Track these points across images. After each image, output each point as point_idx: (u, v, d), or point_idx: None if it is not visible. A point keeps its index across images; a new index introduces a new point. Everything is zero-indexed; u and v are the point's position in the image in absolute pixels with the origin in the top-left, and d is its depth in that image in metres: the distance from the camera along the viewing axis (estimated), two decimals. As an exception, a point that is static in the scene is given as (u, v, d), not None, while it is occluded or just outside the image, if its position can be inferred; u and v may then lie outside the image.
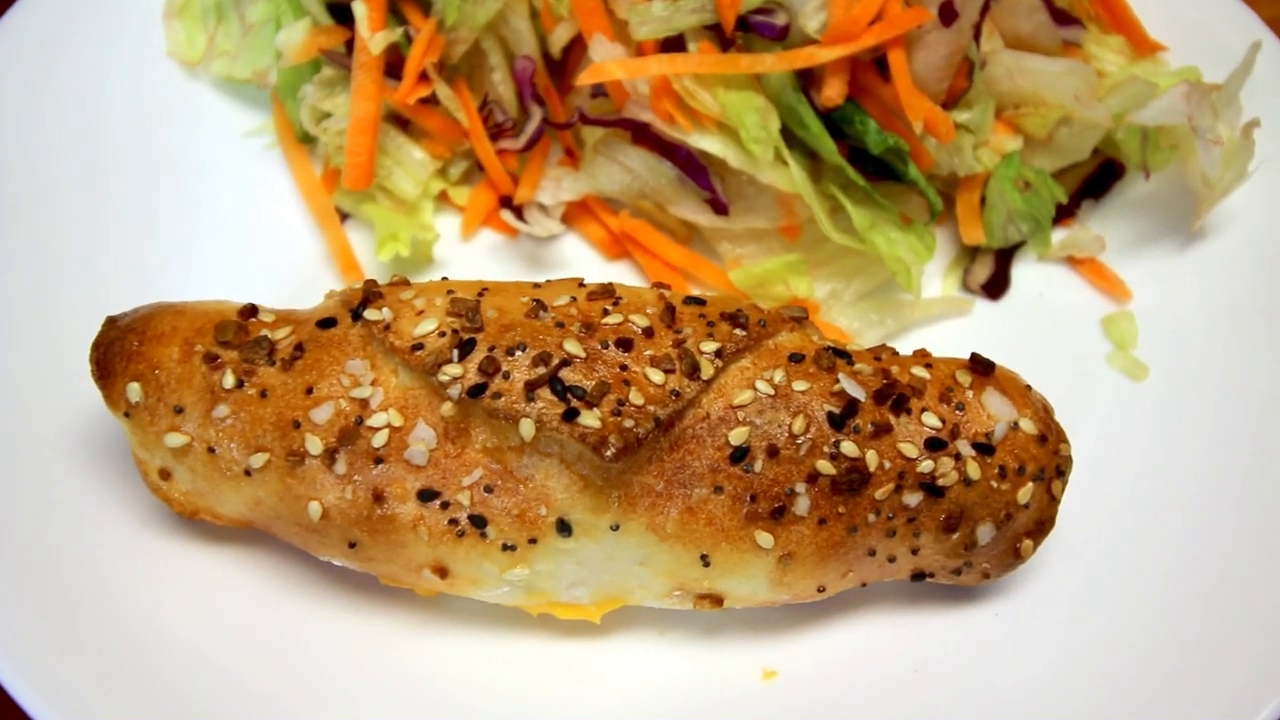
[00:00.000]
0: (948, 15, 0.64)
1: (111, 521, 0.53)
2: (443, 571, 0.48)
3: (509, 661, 0.53)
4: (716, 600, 0.50)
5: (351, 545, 0.48)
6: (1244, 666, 0.50)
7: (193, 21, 0.75)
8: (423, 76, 0.67)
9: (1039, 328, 0.66)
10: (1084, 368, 0.63)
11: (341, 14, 0.70)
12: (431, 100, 0.68)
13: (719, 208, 0.66)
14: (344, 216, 0.69)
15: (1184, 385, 0.62)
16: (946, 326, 0.66)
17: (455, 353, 0.46)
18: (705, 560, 0.48)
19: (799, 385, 0.48)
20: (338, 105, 0.69)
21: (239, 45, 0.73)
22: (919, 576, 0.51)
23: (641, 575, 0.49)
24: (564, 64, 0.69)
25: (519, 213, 0.68)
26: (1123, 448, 0.59)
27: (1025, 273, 0.69)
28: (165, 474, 0.50)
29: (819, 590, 0.50)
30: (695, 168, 0.66)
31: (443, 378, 0.46)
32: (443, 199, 0.70)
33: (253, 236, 0.68)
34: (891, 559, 0.50)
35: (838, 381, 0.49)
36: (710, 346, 0.48)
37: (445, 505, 0.47)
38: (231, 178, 0.70)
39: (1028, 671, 0.52)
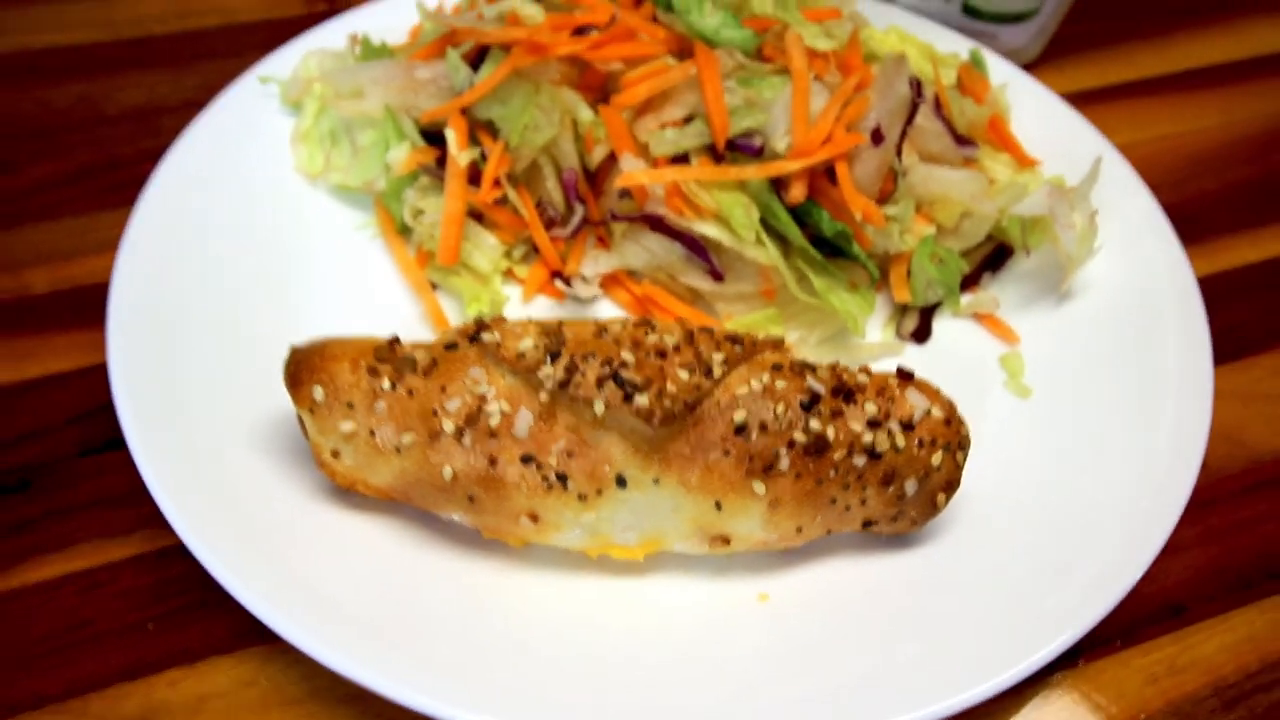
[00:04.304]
0: (877, 139, 0.88)
1: (292, 492, 0.71)
2: (535, 517, 0.68)
3: (577, 595, 0.69)
4: (725, 540, 0.70)
5: (471, 499, 0.68)
6: (1087, 582, 0.71)
7: (314, 145, 0.97)
8: (495, 183, 0.90)
9: (954, 364, 0.86)
10: (985, 391, 0.83)
11: (432, 137, 0.94)
12: (502, 200, 0.91)
13: (716, 277, 0.88)
14: (434, 287, 0.91)
15: (1057, 401, 0.82)
16: (884, 364, 0.87)
17: (547, 359, 0.68)
18: (718, 505, 0.68)
19: (779, 384, 0.69)
20: (430, 204, 0.90)
21: (350, 162, 0.95)
22: (868, 525, 0.72)
23: (674, 520, 0.69)
24: (598, 175, 0.90)
25: (567, 282, 0.90)
26: (1013, 443, 0.79)
27: (943, 325, 0.89)
28: (335, 454, 0.70)
29: (798, 531, 0.70)
30: (698, 248, 0.86)
31: (540, 376, 0.67)
32: (509, 274, 0.90)
33: (366, 304, 0.86)
34: (847, 508, 0.70)
35: (806, 382, 0.70)
36: (719, 357, 0.69)
37: (539, 467, 0.67)
38: (347, 261, 0.89)
39: (948, 593, 0.71)
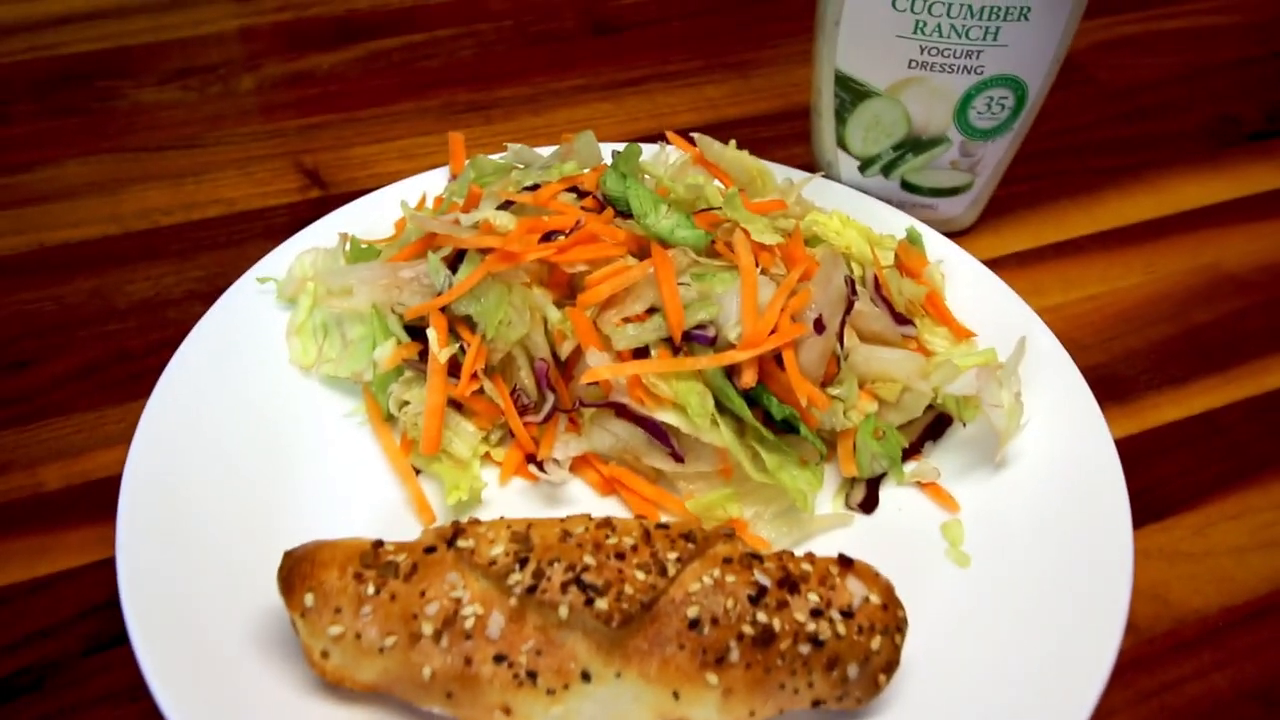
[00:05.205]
0: (819, 328, 0.96)
1: (284, 687, 0.77)
2: (507, 710, 0.74)
3: (547, 778, 0.77)
4: (684, 725, 0.76)
5: (449, 695, 0.74)
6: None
7: (307, 338, 1.06)
8: (473, 376, 0.99)
9: (899, 534, 0.92)
10: (927, 560, 0.89)
11: (415, 332, 1.03)
12: (479, 391, 1.00)
13: (676, 459, 0.95)
14: (417, 472, 0.98)
15: (995, 570, 0.88)
16: (835, 534, 0.94)
17: (517, 566, 0.75)
18: (676, 695, 0.74)
19: (729, 578, 0.76)
20: (414, 395, 0.98)
21: (341, 354, 1.04)
22: (816, 704, 0.78)
23: (636, 709, 0.75)
24: (568, 363, 0.99)
25: (540, 466, 0.97)
26: (952, 614, 0.85)
27: (888, 494, 0.96)
28: (325, 654, 0.76)
29: (750, 714, 0.75)
30: (659, 432, 0.94)
31: (510, 582, 0.74)
32: (486, 457, 0.98)
33: (356, 490, 0.93)
34: (796, 690, 0.76)
35: (753, 575, 0.77)
36: (673, 555, 0.77)
37: (510, 665, 0.73)
38: (336, 445, 0.97)
39: (893, 766, 0.78)
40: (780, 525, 0.94)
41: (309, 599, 0.76)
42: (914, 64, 1.12)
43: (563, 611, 0.73)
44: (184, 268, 1.19)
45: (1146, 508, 1.00)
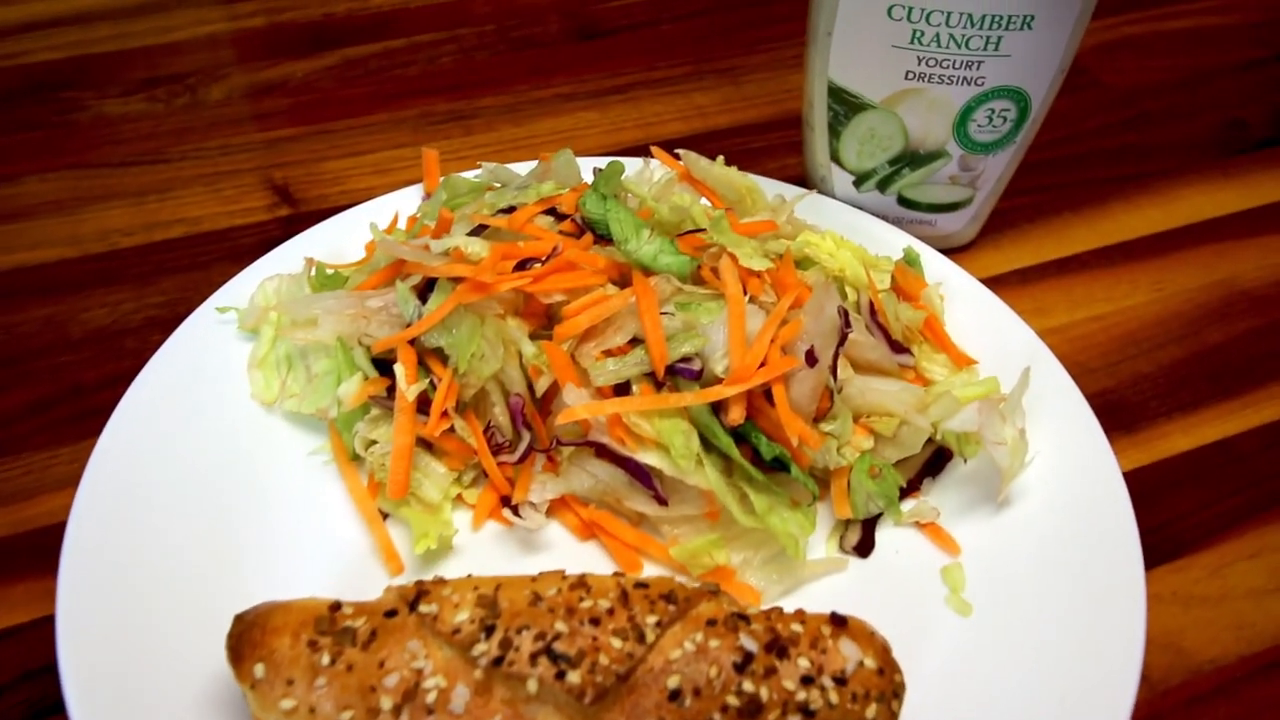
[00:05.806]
0: (811, 360, 0.91)
1: None
2: (474, 790, 0.69)
3: None
4: (666, 801, 0.70)
5: (410, 774, 0.69)
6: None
7: (269, 371, 1.00)
8: (443, 413, 0.93)
9: (895, 578, 0.87)
10: (925, 609, 0.84)
11: (384, 366, 0.97)
12: (450, 430, 0.94)
13: (660, 501, 0.90)
14: (385, 516, 0.93)
15: (998, 619, 0.83)
16: (828, 580, 0.89)
17: (483, 634, 0.69)
18: (655, 772, 0.69)
19: (713, 643, 0.71)
20: (381, 434, 0.93)
21: (305, 389, 0.98)
22: (808, 776, 0.73)
23: (612, 786, 0.70)
24: (545, 400, 0.94)
25: (515, 509, 0.92)
26: (954, 668, 0.80)
27: (885, 535, 0.91)
28: (277, 728, 0.71)
29: (737, 790, 0.71)
30: (641, 473, 0.88)
31: (475, 652, 0.68)
32: (458, 500, 0.93)
33: (316, 533, 0.88)
34: (785, 764, 0.71)
35: (739, 639, 0.72)
36: (652, 619, 0.71)
37: (477, 741, 0.68)
38: (299, 487, 0.91)
39: (891, 843, 0.72)
40: (770, 572, 0.89)
41: (259, 669, 0.70)
42: (911, 75, 1.06)
43: (532, 685, 0.67)
44: (144, 293, 1.13)
45: (1158, 547, 0.94)
